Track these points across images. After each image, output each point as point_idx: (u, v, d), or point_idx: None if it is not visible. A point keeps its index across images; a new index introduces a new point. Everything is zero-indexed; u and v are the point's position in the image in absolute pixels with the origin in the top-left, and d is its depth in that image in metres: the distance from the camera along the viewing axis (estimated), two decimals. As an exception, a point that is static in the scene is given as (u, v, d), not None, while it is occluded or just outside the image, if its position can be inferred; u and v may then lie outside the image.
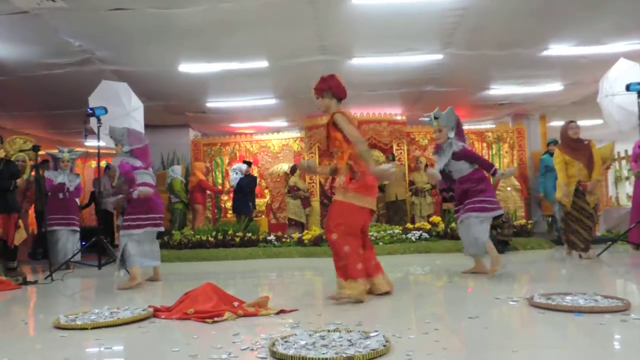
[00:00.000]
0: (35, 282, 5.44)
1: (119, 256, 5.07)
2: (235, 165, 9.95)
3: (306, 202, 9.80)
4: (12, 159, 6.22)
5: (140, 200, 5.07)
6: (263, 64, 7.25)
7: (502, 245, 6.95)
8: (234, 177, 9.65)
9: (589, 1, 5.60)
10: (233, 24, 5.90)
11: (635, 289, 4.18)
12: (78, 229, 7.00)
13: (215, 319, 3.01)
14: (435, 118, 5.18)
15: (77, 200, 7.26)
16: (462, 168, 5.01)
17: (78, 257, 6.68)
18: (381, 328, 2.59)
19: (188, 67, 7.30)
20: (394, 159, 9.85)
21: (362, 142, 3.67)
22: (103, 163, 10.53)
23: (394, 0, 5.44)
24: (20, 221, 6.01)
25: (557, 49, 7.00)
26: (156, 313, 3.26)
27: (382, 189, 9.40)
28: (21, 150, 6.73)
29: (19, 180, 5.93)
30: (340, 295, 3.57)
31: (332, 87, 3.84)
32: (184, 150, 11.24)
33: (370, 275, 3.77)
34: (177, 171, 9.56)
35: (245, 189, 9.48)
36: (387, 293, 3.81)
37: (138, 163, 5.12)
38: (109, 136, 5.38)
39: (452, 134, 5.08)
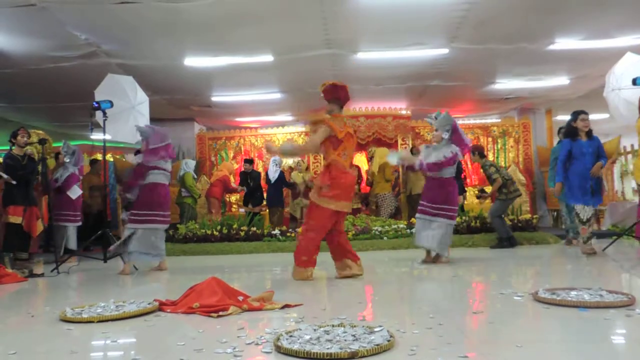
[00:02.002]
0: (41, 275, 5.47)
1: (119, 244, 5.38)
2: (277, 157, 9.62)
3: (295, 194, 9.86)
4: (24, 152, 6.24)
5: (148, 197, 5.38)
6: (268, 58, 7.23)
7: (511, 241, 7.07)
8: (276, 170, 9.55)
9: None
10: (239, 17, 5.89)
11: (641, 285, 4.16)
12: (67, 224, 7.00)
13: (220, 313, 3.03)
14: (436, 118, 5.55)
15: (74, 191, 7.05)
16: (446, 172, 5.43)
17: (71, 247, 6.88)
18: (385, 323, 2.60)
19: (194, 61, 7.30)
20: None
21: (304, 146, 4.50)
22: (109, 156, 10.65)
23: (400, -6, 5.41)
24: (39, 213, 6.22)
25: (564, 43, 6.96)
26: (162, 307, 3.28)
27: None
28: (28, 144, 6.75)
29: None
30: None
31: (341, 99, 4.56)
32: (189, 144, 11.27)
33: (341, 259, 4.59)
34: (190, 165, 9.57)
35: (281, 182, 9.55)
36: (352, 276, 4.50)
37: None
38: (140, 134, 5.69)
39: (446, 136, 5.43)
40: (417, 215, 5.60)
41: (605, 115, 9.34)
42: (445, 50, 7.18)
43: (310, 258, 4.48)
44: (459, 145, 5.43)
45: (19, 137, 6.18)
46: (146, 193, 5.45)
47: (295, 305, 3.27)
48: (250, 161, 10.00)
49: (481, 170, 7.55)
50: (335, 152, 4.42)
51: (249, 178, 9.61)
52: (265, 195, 9.84)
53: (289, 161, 10.75)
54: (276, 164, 9.55)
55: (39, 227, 6.23)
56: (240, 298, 3.29)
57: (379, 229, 7.88)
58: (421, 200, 5.61)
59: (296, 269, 4.50)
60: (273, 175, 9.48)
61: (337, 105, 4.54)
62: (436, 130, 5.50)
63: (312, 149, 4.66)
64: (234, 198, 11.06)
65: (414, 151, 8.22)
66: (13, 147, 6.18)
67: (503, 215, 7.29)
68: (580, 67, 8.16)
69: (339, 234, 4.59)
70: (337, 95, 4.53)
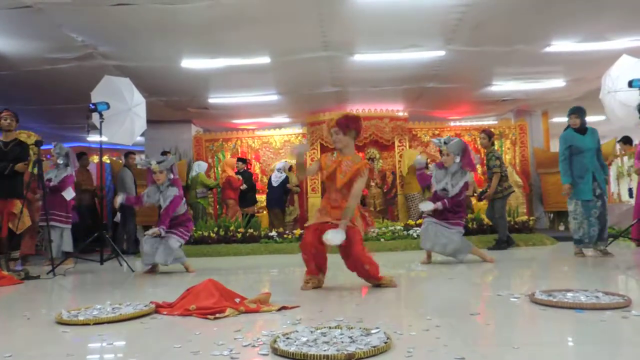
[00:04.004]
0: (37, 277, 5.45)
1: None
2: (280, 165, 9.91)
3: (292, 200, 9.95)
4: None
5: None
6: (265, 60, 7.24)
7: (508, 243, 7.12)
8: (280, 176, 9.64)
9: (592, -3, 5.59)
10: (235, 19, 5.90)
11: (637, 286, 4.17)
12: (59, 224, 6.79)
13: (217, 315, 3.02)
14: (445, 143, 5.72)
15: (69, 192, 6.92)
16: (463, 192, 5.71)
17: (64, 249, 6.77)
18: (382, 325, 2.60)
19: (190, 63, 7.30)
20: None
21: (356, 199, 4.01)
22: (105, 159, 10.63)
23: (397, -4, 5.42)
24: (24, 209, 5.76)
25: (560, 46, 6.99)
26: (158, 309, 3.27)
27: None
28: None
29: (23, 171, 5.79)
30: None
31: (357, 129, 4.11)
32: (186, 145, 11.25)
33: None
34: (202, 167, 9.60)
35: (283, 186, 9.63)
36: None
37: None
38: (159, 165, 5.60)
39: (457, 160, 5.66)
40: (428, 219, 5.73)
41: (602, 117, 9.36)
42: (441, 53, 7.20)
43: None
44: (469, 167, 5.68)
45: (1, 121, 5.68)
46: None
47: (292, 307, 3.27)
48: (243, 160, 10.02)
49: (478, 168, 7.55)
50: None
51: (241, 178, 9.63)
52: (265, 197, 9.89)
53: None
54: (281, 172, 9.63)
55: (23, 223, 5.73)
56: (237, 300, 3.29)
57: (376, 231, 7.88)
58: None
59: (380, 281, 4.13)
60: (276, 180, 9.55)
61: (353, 140, 4.16)
62: (447, 154, 5.67)
63: (357, 200, 4.07)
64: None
65: (428, 164, 8.40)
66: None
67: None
68: (576, 70, 8.20)
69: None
70: (355, 125, 4.10)
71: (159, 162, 5.57)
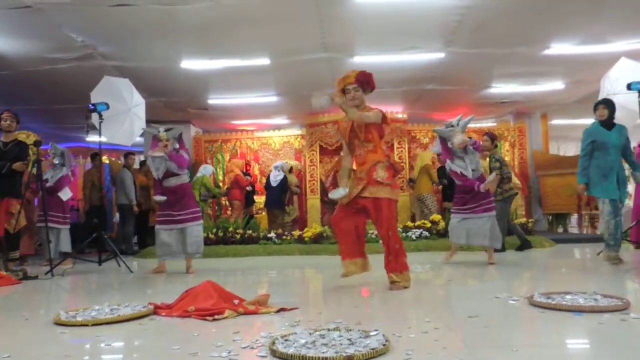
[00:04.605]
0: (35, 278, 5.44)
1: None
2: (278, 163, 9.87)
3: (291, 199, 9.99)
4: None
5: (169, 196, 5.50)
6: (265, 61, 7.24)
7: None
8: (277, 174, 9.60)
9: (590, 0, 5.59)
10: (235, 20, 5.90)
11: (635, 288, 4.18)
12: (56, 225, 6.88)
13: (216, 316, 3.01)
14: (457, 124, 5.55)
15: (65, 193, 6.98)
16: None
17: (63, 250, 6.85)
18: (381, 327, 2.60)
19: (190, 64, 7.30)
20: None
21: (368, 119, 4.02)
22: (104, 158, 10.63)
23: (396, -1, 5.43)
24: (21, 209, 5.75)
25: (559, 48, 7.00)
26: (156, 310, 3.27)
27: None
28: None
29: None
30: (396, 286, 3.99)
31: (372, 86, 4.14)
32: (186, 146, 11.21)
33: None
34: (208, 170, 9.62)
35: (285, 186, 9.62)
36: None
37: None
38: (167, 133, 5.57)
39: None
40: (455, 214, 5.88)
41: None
42: (441, 55, 7.21)
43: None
44: (474, 147, 5.58)
45: (1, 122, 5.72)
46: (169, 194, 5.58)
47: (291, 309, 3.26)
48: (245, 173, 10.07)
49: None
50: (382, 141, 4.14)
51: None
52: (264, 198, 9.90)
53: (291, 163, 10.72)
54: (278, 170, 9.61)
55: (19, 223, 5.75)
56: (236, 302, 3.29)
57: (375, 232, 7.87)
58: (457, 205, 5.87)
59: (404, 275, 4.05)
60: (275, 180, 9.53)
61: (365, 96, 4.16)
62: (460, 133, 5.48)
63: (365, 119, 4.01)
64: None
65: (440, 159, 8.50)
66: None
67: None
68: (575, 72, 8.21)
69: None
70: (371, 83, 4.13)
71: (166, 130, 5.57)
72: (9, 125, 5.78)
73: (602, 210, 5.36)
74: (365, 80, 4.06)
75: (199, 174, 9.31)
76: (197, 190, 9.31)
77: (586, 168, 5.35)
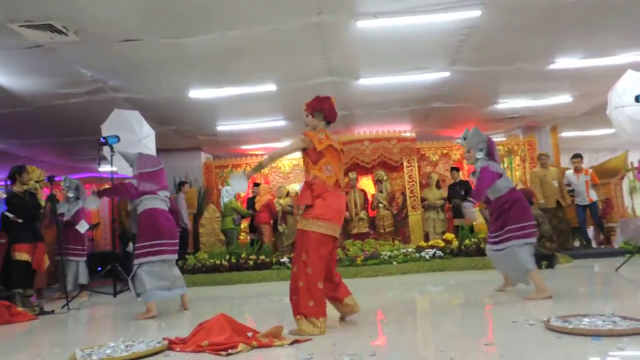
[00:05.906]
0: (52, 312, 5.48)
1: (130, 283, 4.87)
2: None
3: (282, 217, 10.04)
4: (24, 188, 6.25)
5: (148, 226, 4.87)
6: (271, 87, 7.33)
7: (549, 259, 6.86)
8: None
9: (593, 15, 5.61)
10: (241, 50, 6.00)
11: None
12: (74, 258, 7.06)
13: (230, 351, 3.01)
14: (464, 139, 5.01)
15: (82, 225, 7.06)
16: (499, 188, 4.66)
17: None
18: (395, 358, 2.57)
19: (198, 93, 7.42)
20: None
21: (271, 156, 4.00)
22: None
23: (399, 23, 5.49)
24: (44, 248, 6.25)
25: (564, 62, 7.01)
26: (171, 345, 3.27)
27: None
28: (36, 181, 6.85)
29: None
30: (296, 333, 3.48)
31: (324, 110, 3.92)
32: (196, 172, 11.34)
33: (340, 300, 3.85)
34: (231, 193, 9.72)
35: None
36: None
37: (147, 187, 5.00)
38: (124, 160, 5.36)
39: (480, 155, 4.77)
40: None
41: (611, 130, 9.31)
42: (446, 74, 7.25)
43: (320, 302, 3.51)
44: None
45: (24, 175, 6.20)
46: (146, 222, 4.91)
47: (305, 340, 3.25)
48: (259, 185, 10.14)
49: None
50: (316, 166, 3.76)
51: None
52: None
53: (295, 187, 10.75)
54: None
55: (46, 262, 6.28)
56: (250, 334, 3.27)
57: (388, 253, 7.84)
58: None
59: (304, 322, 3.45)
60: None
61: (323, 121, 3.91)
62: (467, 151, 4.91)
63: (281, 154, 4.09)
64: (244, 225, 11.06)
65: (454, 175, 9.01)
66: (14, 184, 6.15)
67: None
68: (582, 85, 8.20)
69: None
70: (320, 106, 3.90)
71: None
72: (29, 179, 6.41)
73: None
74: (315, 106, 3.91)
75: (225, 200, 9.37)
76: (229, 217, 9.42)
77: None
